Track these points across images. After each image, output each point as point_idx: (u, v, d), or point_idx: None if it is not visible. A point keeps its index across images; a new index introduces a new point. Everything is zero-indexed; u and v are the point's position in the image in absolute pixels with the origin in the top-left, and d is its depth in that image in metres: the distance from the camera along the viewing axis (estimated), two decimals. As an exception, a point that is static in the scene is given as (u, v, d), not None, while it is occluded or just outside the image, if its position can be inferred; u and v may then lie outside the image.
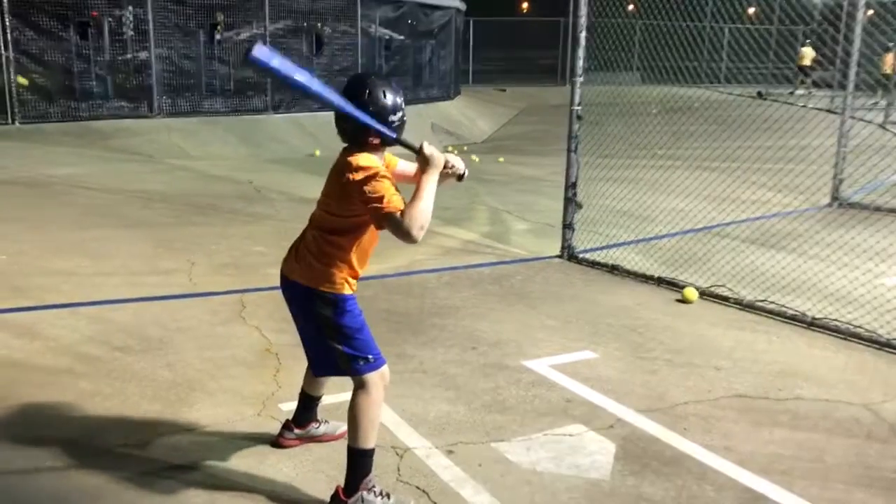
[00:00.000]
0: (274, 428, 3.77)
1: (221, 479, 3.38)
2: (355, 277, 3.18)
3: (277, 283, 5.78)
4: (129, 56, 14.98)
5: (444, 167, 3.11)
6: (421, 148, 3.04)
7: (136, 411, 3.99)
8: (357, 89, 3.05)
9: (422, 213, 2.90)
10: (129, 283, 6.11)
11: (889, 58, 15.97)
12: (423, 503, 3.26)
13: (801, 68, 23.53)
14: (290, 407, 3.96)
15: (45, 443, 3.66)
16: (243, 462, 3.53)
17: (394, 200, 2.90)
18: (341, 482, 3.16)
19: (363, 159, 3.01)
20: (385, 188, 2.92)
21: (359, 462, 3.13)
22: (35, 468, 3.45)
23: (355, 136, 3.09)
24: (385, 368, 3.20)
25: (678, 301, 5.96)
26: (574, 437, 3.83)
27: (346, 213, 3.07)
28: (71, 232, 7.67)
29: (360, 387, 3.14)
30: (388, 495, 3.17)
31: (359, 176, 2.95)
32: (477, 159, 13.30)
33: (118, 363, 4.58)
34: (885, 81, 15.63)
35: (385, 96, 3.04)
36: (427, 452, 3.63)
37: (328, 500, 3.20)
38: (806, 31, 21.61)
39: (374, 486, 3.15)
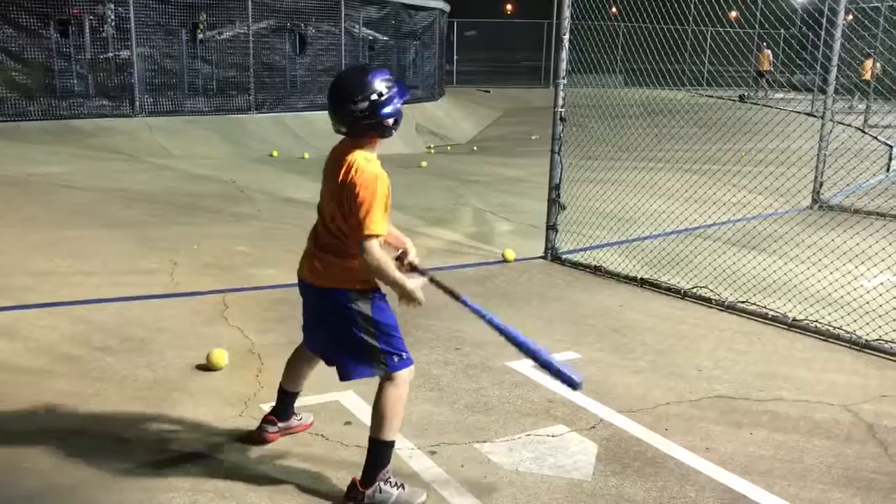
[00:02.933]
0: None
1: (201, 479, 3.36)
2: None
3: (260, 283, 5.73)
4: (110, 54, 14.87)
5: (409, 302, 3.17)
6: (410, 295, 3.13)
7: (116, 412, 3.96)
8: (349, 85, 3.08)
9: (374, 266, 3.02)
10: (111, 283, 6.06)
11: (868, 64, 16.17)
12: None
13: (762, 73, 23.88)
14: (272, 407, 3.95)
15: (24, 443, 3.62)
16: (223, 462, 3.51)
17: (375, 221, 2.99)
18: (328, 476, 3.19)
19: (368, 163, 3.05)
20: (372, 199, 2.98)
21: (381, 453, 3.19)
22: (13, 468, 3.41)
23: (353, 129, 3.09)
24: (413, 367, 3.28)
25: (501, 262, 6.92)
26: (556, 437, 3.84)
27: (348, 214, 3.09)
28: (51, 231, 7.60)
29: (389, 380, 3.20)
30: (402, 486, 3.22)
31: (358, 181, 3.00)
32: (424, 164, 13.35)
33: (98, 363, 4.54)
34: (863, 87, 15.81)
35: (376, 86, 3.07)
36: (410, 453, 3.63)
37: (317, 493, 3.23)
38: (787, 35, 21.89)
39: (389, 478, 3.21)
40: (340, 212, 3.08)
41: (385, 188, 3.06)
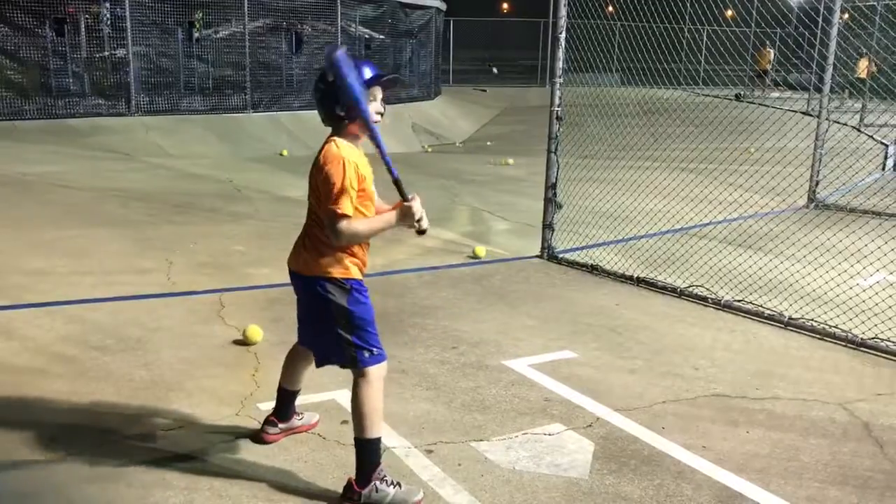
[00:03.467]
0: (253, 427, 3.77)
1: (197, 478, 3.35)
2: (362, 263, 3.26)
3: (257, 282, 5.76)
4: (106, 53, 14.84)
5: (413, 222, 3.13)
6: (410, 199, 3.09)
7: (112, 411, 3.95)
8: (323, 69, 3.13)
9: (358, 236, 3.10)
10: (107, 283, 6.06)
11: (863, 63, 16.17)
12: (403, 503, 3.25)
13: (765, 71, 23.91)
14: (268, 406, 3.95)
15: (19, 442, 3.61)
16: (220, 461, 3.51)
17: (342, 200, 3.02)
18: (325, 475, 3.20)
19: (337, 149, 3.07)
20: (339, 180, 3.00)
21: (368, 451, 3.20)
22: (8, 467, 3.41)
23: (325, 114, 3.16)
24: (385, 363, 3.27)
25: (470, 257, 7.05)
26: (553, 436, 3.84)
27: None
28: (47, 230, 7.58)
29: (361, 377, 3.20)
30: (398, 484, 3.23)
31: (325, 165, 3.05)
32: (512, 161, 13.27)
33: (94, 363, 4.53)
34: (859, 85, 15.82)
35: (341, 69, 3.10)
36: (406, 452, 3.63)
37: (313, 493, 3.23)
38: (783, 34, 21.94)
39: (385, 476, 3.21)
40: (316, 200, 3.11)
41: (352, 171, 3.05)
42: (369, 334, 3.20)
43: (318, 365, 3.42)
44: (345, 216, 3.01)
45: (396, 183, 3.09)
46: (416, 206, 3.08)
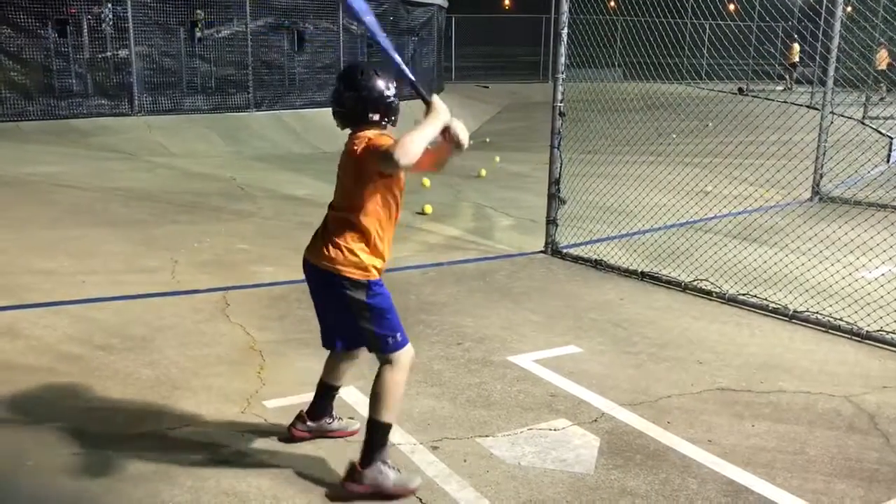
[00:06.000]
0: (258, 425, 3.78)
1: (204, 477, 3.36)
2: (383, 261, 3.30)
3: (261, 280, 5.77)
4: (108, 54, 14.86)
5: (447, 130, 3.17)
6: (431, 99, 3.20)
7: (118, 410, 3.96)
8: (351, 73, 3.31)
9: (412, 143, 2.94)
10: (111, 282, 6.07)
11: (882, 54, 15.90)
12: (408, 499, 3.26)
13: (793, 65, 23.78)
14: (274, 404, 3.97)
15: (26, 442, 3.63)
16: (226, 459, 3.51)
17: (382, 142, 3.09)
18: (332, 473, 3.27)
19: (365, 134, 3.17)
20: (385, 140, 3.09)
21: (378, 434, 3.24)
22: (14, 467, 3.42)
23: (355, 117, 3.24)
24: (410, 346, 3.31)
25: (418, 213, 8.09)
26: (559, 431, 3.84)
27: (361, 190, 3.18)
28: (51, 230, 7.60)
29: (387, 363, 3.25)
30: (399, 470, 3.28)
31: (363, 143, 3.12)
32: (498, 159, 12.99)
33: (100, 362, 4.54)
34: (880, 78, 15.61)
35: (378, 74, 3.30)
36: (412, 448, 3.63)
37: (320, 490, 3.26)
38: (786, 27, 21.87)
39: (388, 460, 3.25)
40: (352, 182, 3.17)
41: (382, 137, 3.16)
42: (389, 321, 3.25)
43: (347, 349, 3.47)
44: (391, 147, 2.93)
45: (414, 88, 3.25)
46: (440, 102, 3.18)
